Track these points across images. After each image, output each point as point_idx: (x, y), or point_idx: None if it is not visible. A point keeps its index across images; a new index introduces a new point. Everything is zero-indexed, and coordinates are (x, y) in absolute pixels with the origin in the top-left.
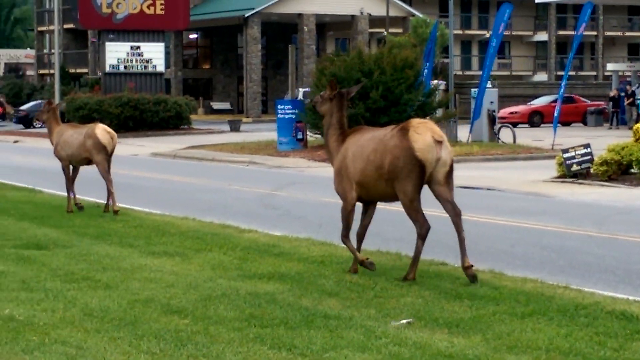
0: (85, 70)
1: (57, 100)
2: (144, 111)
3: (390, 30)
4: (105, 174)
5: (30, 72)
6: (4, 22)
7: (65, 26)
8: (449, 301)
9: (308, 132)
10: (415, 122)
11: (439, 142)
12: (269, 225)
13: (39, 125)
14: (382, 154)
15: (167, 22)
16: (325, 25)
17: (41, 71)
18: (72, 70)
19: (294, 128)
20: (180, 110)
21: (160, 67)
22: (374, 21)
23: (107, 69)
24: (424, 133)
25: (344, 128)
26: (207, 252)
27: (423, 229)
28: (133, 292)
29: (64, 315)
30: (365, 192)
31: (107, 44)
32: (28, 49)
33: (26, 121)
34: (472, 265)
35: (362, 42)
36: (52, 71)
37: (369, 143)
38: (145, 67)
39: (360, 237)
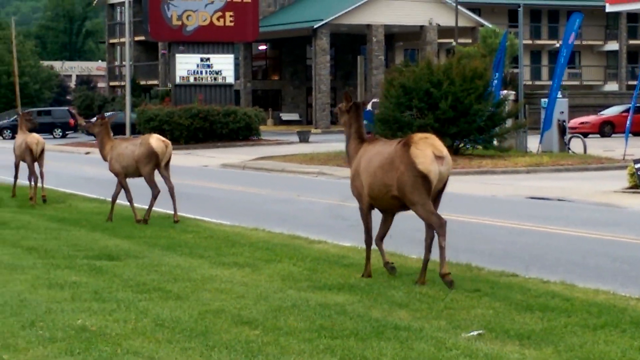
0: (155, 82)
1: (128, 113)
2: (214, 122)
3: (459, 40)
4: (151, 183)
5: (101, 84)
6: (76, 35)
7: (136, 38)
8: (519, 313)
9: None
10: (417, 137)
11: (440, 158)
12: (339, 236)
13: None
14: (388, 172)
15: (236, 34)
16: (394, 36)
17: (112, 83)
18: (142, 82)
19: None
20: (250, 122)
21: (230, 79)
22: (443, 32)
23: (177, 80)
24: (424, 149)
25: (362, 137)
26: (277, 263)
27: (439, 224)
28: (204, 303)
29: (135, 325)
30: (374, 202)
31: (177, 55)
32: (99, 61)
33: None
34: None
35: (431, 52)
36: (123, 83)
37: (376, 158)
38: (215, 78)
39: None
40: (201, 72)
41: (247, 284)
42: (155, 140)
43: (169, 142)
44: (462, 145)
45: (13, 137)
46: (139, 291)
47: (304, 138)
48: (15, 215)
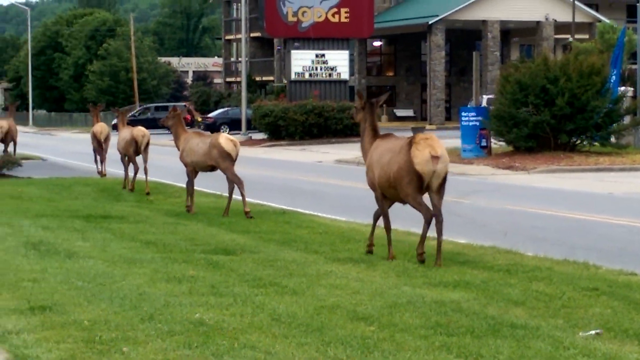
0: (270, 78)
1: (244, 108)
2: (328, 118)
3: (576, 36)
4: (234, 177)
5: (217, 80)
6: (193, 31)
7: (252, 35)
8: (639, 312)
9: (492, 140)
10: (419, 137)
11: (436, 158)
12: (453, 233)
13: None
14: (392, 166)
15: (351, 30)
16: (510, 32)
17: (228, 79)
18: (258, 78)
19: (477, 135)
20: None
21: (345, 75)
22: (559, 27)
23: (293, 76)
24: (423, 149)
25: (376, 132)
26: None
27: (427, 215)
28: (319, 299)
29: (252, 320)
30: (385, 193)
31: (293, 52)
32: (215, 57)
33: (213, 128)
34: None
35: (547, 48)
36: (238, 79)
37: (385, 153)
38: (330, 74)
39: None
40: (316, 68)
41: (362, 279)
42: (225, 141)
43: (237, 141)
44: (578, 142)
45: None
46: (255, 286)
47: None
48: (133, 209)
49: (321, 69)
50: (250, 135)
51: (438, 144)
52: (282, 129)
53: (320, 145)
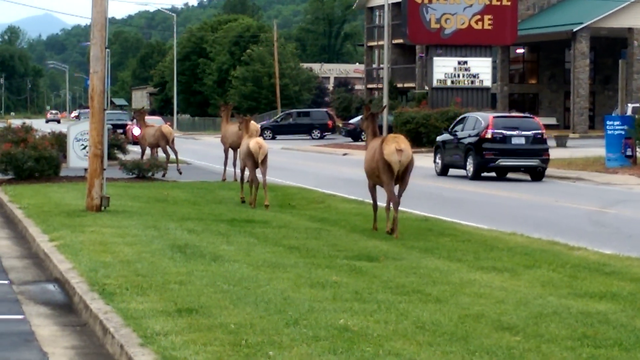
0: (412, 84)
1: (385, 115)
2: None
3: None
4: (249, 173)
5: (358, 86)
6: (335, 38)
7: (394, 41)
8: None
9: (638, 149)
10: (389, 137)
11: (399, 151)
12: (599, 243)
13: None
14: (373, 158)
15: (494, 37)
16: None
17: (369, 85)
18: (399, 85)
19: (622, 144)
20: None
21: (487, 82)
22: None
23: (435, 83)
24: (390, 144)
25: (375, 136)
26: (536, 268)
27: (392, 198)
28: (463, 307)
29: (396, 327)
30: (374, 181)
31: (435, 58)
32: (357, 63)
33: (354, 134)
34: (393, 230)
35: None
36: (380, 85)
37: (370, 150)
38: (472, 81)
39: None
40: (458, 75)
41: (506, 289)
42: (253, 143)
43: (265, 145)
44: None
45: (273, 138)
46: (399, 293)
47: (561, 143)
48: (276, 214)
49: (463, 76)
50: None
51: (403, 141)
52: (423, 136)
53: None
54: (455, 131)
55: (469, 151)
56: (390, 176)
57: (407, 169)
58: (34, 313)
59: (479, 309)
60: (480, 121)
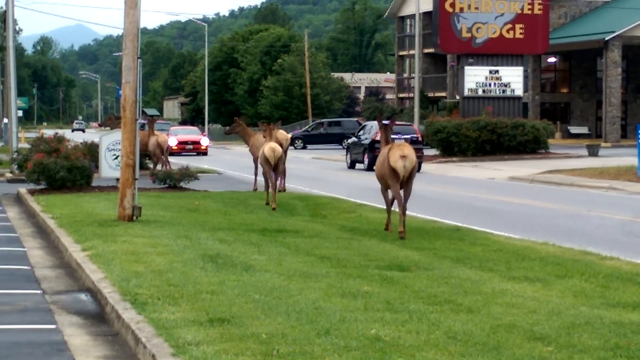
0: (443, 94)
1: (416, 124)
2: (501, 135)
3: None
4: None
5: (389, 96)
6: (366, 47)
7: (425, 50)
8: None
9: None
10: (395, 145)
11: (403, 157)
12: (632, 253)
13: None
14: (382, 164)
15: (526, 46)
16: None
17: (400, 95)
18: (430, 94)
19: None
20: (538, 135)
21: (519, 91)
22: None
23: (466, 92)
24: (395, 152)
25: (387, 144)
26: (568, 278)
27: (398, 200)
28: (495, 317)
29: (428, 337)
30: (382, 184)
31: (466, 68)
32: (388, 73)
33: None
34: (404, 231)
35: None
36: (411, 95)
37: (380, 157)
38: (504, 91)
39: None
40: (489, 85)
41: (538, 299)
42: (267, 148)
43: (278, 149)
44: None
45: (304, 147)
46: (430, 303)
47: (593, 152)
48: (307, 224)
49: (495, 85)
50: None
51: (407, 148)
52: (454, 145)
53: (493, 162)
54: (359, 135)
55: (365, 150)
56: (396, 181)
57: (411, 174)
58: (66, 323)
59: (511, 319)
60: (374, 128)
